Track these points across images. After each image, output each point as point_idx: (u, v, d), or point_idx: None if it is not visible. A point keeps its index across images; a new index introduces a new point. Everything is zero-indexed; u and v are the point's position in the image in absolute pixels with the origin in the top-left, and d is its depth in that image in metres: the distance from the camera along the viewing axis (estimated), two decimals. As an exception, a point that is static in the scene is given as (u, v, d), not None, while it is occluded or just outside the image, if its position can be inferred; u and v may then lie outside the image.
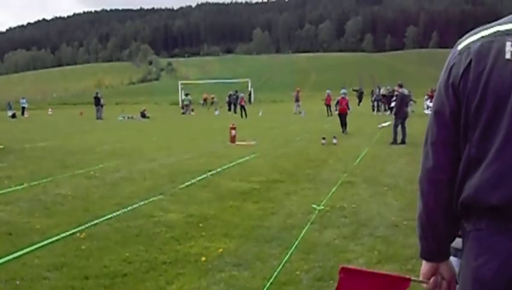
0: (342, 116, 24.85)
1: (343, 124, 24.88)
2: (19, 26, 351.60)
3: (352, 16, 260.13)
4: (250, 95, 66.73)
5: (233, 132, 21.67)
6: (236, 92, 52.97)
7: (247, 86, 70.94)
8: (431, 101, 42.42)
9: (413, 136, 20.83)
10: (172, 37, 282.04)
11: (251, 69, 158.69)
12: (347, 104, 24.81)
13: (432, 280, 2.27)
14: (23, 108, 57.85)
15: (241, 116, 43.17)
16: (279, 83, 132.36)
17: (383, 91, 45.43)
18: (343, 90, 23.69)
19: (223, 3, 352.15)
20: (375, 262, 6.45)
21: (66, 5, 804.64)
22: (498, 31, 2.08)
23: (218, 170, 14.22)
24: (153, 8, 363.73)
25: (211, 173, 13.69)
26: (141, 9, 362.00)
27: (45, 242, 7.40)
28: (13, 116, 52.63)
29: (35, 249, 7.12)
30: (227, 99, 55.57)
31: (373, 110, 46.03)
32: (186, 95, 55.59)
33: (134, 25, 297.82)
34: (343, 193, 10.74)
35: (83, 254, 6.94)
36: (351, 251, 6.90)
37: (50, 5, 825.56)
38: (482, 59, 2.05)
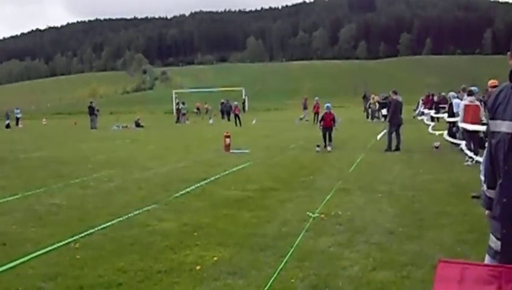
0: (327, 130, 22.20)
1: (329, 138, 22.20)
2: (12, 37, 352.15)
3: (346, 23, 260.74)
4: (244, 103, 66.83)
5: (227, 140, 21.67)
6: (228, 100, 53.63)
7: (241, 95, 71.00)
8: (425, 107, 42.69)
9: (407, 143, 20.88)
10: (166, 46, 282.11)
11: (245, 77, 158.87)
12: (332, 120, 23.02)
13: None
14: (18, 118, 57.82)
15: (236, 124, 43.18)
16: (273, 91, 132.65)
17: (376, 98, 45.52)
18: (327, 105, 22.75)
19: (217, 12, 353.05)
20: (370, 269, 6.45)
21: (60, 15, 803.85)
22: None
23: (213, 178, 14.22)
24: (147, 17, 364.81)
25: (205, 181, 13.69)
26: (135, 19, 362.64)
27: (39, 252, 7.38)
28: (7, 126, 52.55)
29: (30, 259, 7.09)
30: (220, 107, 56.22)
31: (367, 117, 46.03)
32: (183, 103, 55.58)
33: (128, 34, 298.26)
34: (338, 201, 10.74)
35: (77, 263, 6.92)
36: (346, 259, 6.89)
37: (43, 15, 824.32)
38: None
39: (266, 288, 5.85)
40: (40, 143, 29.72)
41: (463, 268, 2.32)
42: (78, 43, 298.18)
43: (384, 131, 21.57)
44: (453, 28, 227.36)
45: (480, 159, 13.34)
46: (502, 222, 2.87)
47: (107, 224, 9.02)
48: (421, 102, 47.99)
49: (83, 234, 8.34)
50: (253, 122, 45.95)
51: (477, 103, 17.00)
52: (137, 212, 9.97)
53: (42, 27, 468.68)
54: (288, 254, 7.03)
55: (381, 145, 21.20)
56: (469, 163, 15.99)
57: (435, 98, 40.75)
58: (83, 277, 6.39)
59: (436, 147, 20.32)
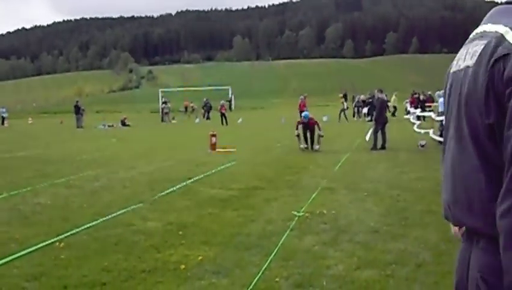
0: (308, 128, 21.25)
1: (311, 140, 21.34)
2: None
3: (332, 22, 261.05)
4: (230, 102, 66.74)
5: (213, 139, 21.66)
6: (207, 99, 54.28)
7: (228, 93, 70.93)
8: (411, 106, 42.88)
9: (393, 142, 20.96)
10: (152, 45, 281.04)
11: (231, 76, 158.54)
12: (316, 123, 21.92)
13: None
14: (3, 117, 57.52)
15: (222, 123, 43.20)
16: (259, 90, 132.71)
17: (362, 97, 45.84)
18: (305, 114, 21.56)
19: (203, 11, 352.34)
20: (354, 268, 6.46)
21: (46, 14, 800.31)
22: None
23: (198, 177, 14.21)
24: (133, 16, 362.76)
25: (190, 180, 13.67)
26: (121, 17, 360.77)
27: (23, 252, 7.34)
28: (-7, 125, 52.37)
29: (14, 259, 7.06)
30: (202, 106, 57.11)
31: (353, 115, 46.35)
32: (165, 103, 55.48)
33: (114, 33, 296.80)
34: (323, 199, 10.76)
35: (61, 263, 6.89)
36: (331, 257, 6.91)
37: (29, 14, 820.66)
38: None
39: (251, 287, 5.86)
40: (26, 142, 29.56)
41: None
42: (64, 42, 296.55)
43: (371, 130, 21.62)
44: (439, 27, 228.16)
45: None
46: None
47: (92, 223, 8.99)
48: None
49: (67, 234, 8.31)
50: (239, 121, 45.95)
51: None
52: (122, 211, 9.94)
53: (28, 26, 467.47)
54: (273, 253, 7.04)
55: (367, 144, 21.28)
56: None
57: (421, 97, 41.01)
58: (67, 277, 6.37)
59: (422, 146, 20.39)
